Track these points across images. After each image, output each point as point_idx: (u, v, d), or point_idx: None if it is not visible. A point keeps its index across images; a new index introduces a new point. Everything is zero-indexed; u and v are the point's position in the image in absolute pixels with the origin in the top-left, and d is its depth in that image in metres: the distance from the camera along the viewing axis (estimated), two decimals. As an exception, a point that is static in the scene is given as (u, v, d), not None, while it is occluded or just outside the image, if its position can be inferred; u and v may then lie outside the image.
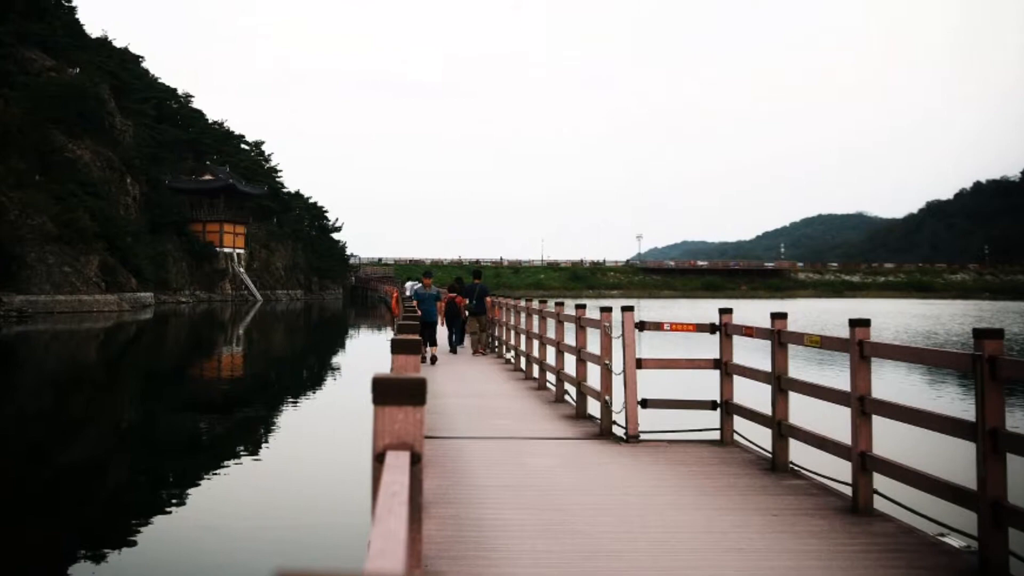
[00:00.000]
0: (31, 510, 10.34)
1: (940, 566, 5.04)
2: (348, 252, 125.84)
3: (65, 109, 64.91)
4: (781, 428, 7.78)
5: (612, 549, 5.31)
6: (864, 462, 6.27)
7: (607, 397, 9.74)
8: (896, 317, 58.20)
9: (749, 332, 8.75)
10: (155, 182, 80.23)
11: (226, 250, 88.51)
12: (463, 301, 20.52)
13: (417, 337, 5.05)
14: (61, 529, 9.41)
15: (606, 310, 10.19)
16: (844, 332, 6.63)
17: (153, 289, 67.22)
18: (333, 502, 10.35)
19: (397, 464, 2.30)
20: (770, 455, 8.00)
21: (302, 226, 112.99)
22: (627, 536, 5.61)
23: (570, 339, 12.23)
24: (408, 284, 29.33)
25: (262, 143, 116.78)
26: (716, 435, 9.29)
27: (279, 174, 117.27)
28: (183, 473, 12.72)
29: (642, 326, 9.73)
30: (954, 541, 5.57)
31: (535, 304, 15.67)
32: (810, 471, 7.57)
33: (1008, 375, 4.98)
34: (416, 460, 2.43)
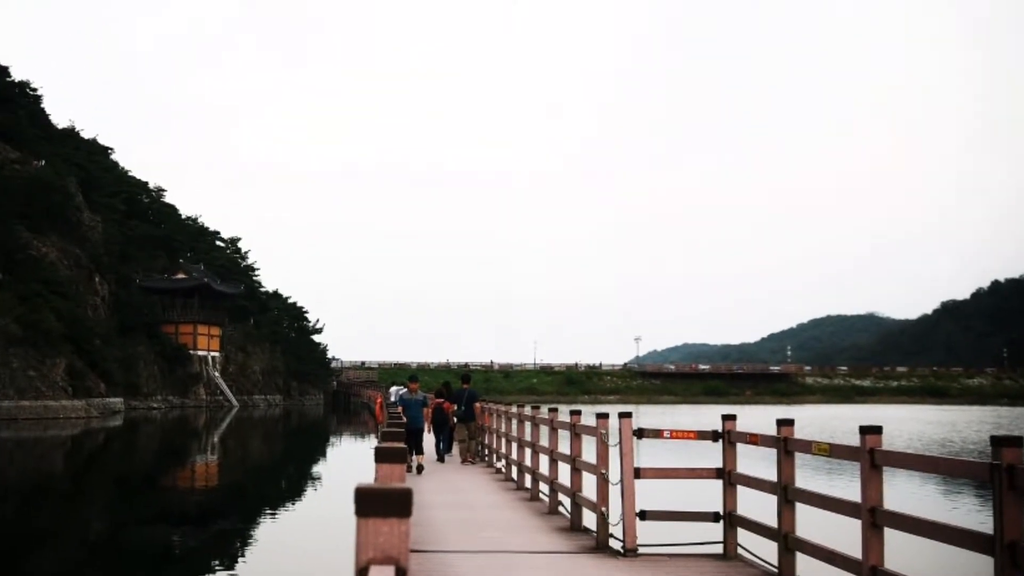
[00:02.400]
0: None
1: None
2: (329, 355, 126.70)
3: (30, 204, 64.97)
4: (788, 541, 7.76)
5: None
6: (876, 578, 5.84)
7: (604, 508, 9.75)
8: (909, 423, 58.11)
9: (754, 440, 8.73)
10: (125, 281, 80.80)
11: (200, 353, 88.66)
12: (451, 407, 20.35)
13: (402, 445, 5.17)
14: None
15: (602, 416, 10.23)
16: (854, 439, 6.65)
17: (123, 394, 66.70)
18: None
19: (381, 579, 2.14)
20: (776, 570, 8.00)
21: (281, 328, 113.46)
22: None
23: (564, 447, 12.31)
24: (393, 389, 29.63)
25: (238, 240, 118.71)
26: (719, 548, 9.24)
27: (256, 273, 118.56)
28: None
29: (640, 433, 9.77)
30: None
31: (527, 410, 15.77)
32: (819, 588, 6.97)
33: (1028, 485, 4.69)
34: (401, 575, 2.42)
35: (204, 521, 19.06)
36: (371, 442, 33.06)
